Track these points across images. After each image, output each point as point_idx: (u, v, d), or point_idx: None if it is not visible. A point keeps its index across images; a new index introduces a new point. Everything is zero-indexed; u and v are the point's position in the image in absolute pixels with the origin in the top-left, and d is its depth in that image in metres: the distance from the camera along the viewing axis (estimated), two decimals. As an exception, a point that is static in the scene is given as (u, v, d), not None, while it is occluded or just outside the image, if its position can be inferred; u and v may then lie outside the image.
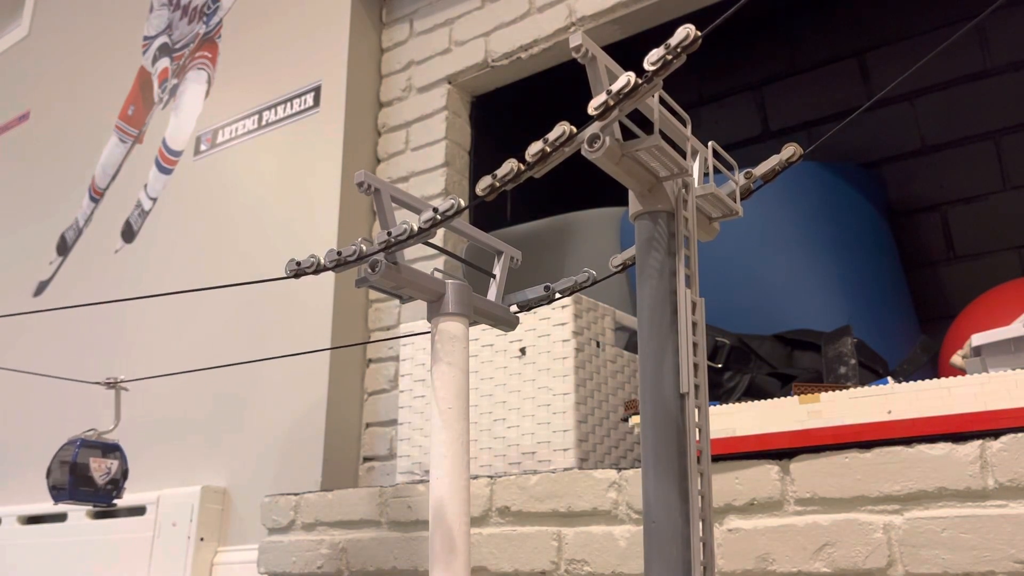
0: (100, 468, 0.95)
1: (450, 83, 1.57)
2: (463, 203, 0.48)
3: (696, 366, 0.45)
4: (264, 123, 1.72)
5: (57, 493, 0.95)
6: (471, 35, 1.55)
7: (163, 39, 2.02)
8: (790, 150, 0.54)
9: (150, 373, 1.71)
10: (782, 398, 0.83)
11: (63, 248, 2.06)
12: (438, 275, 0.55)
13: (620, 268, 0.60)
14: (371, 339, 1.53)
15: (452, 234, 1.46)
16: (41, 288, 2.07)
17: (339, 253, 0.52)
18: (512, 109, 1.68)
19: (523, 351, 1.10)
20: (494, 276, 0.61)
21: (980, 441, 0.71)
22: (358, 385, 1.51)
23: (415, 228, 0.50)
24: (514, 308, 0.62)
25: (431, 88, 1.59)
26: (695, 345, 0.45)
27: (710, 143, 0.51)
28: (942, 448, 0.73)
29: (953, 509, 0.71)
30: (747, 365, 1.14)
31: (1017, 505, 0.69)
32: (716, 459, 0.84)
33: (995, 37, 1.60)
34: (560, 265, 1.45)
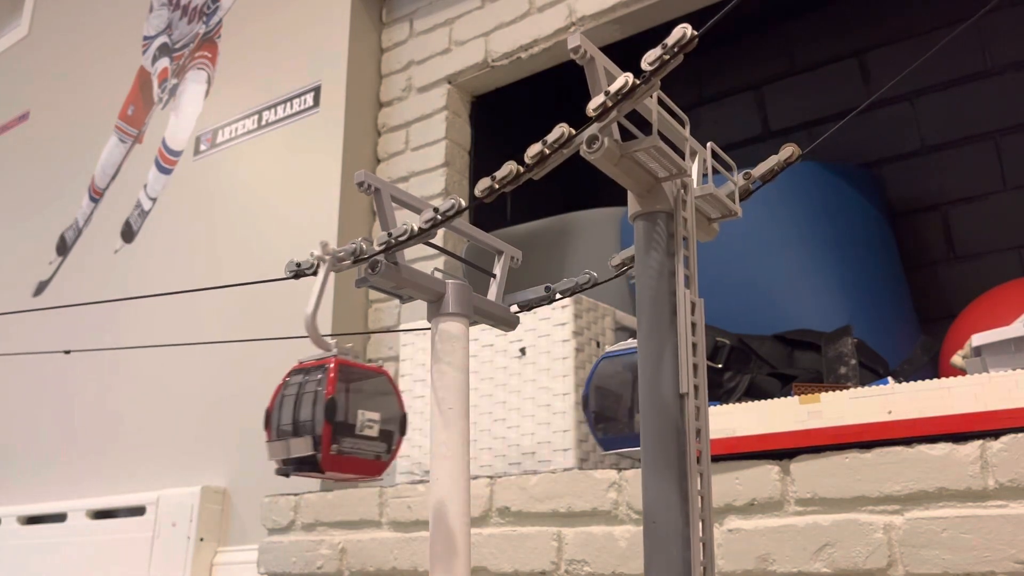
0: None
1: (450, 83, 1.57)
2: (464, 203, 0.48)
3: (696, 366, 0.45)
4: (264, 123, 1.72)
5: (617, 437, 0.60)
6: (471, 35, 1.55)
7: (163, 39, 2.02)
8: (788, 150, 0.54)
9: (150, 372, 1.72)
10: (782, 398, 0.83)
11: (63, 248, 2.06)
12: (438, 275, 0.55)
13: (620, 270, 0.60)
14: (371, 339, 1.53)
15: (452, 234, 1.46)
16: (41, 288, 2.07)
17: (339, 254, 0.51)
18: (512, 109, 1.68)
19: (523, 351, 1.10)
20: (494, 276, 0.61)
21: (980, 441, 0.71)
22: (358, 385, 1.51)
23: (415, 228, 0.49)
24: (514, 308, 0.62)
25: (431, 88, 1.59)
26: (694, 345, 0.45)
27: (709, 144, 0.51)
28: (942, 448, 0.73)
29: (953, 509, 0.71)
30: (747, 365, 1.14)
31: (1017, 505, 0.69)
32: (716, 459, 0.84)
33: (995, 37, 1.60)
34: (560, 265, 1.45)
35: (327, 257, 0.52)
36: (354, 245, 0.51)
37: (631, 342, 0.56)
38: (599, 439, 0.60)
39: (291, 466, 0.52)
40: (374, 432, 0.53)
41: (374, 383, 0.55)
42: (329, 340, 0.53)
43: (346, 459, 0.52)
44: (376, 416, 0.54)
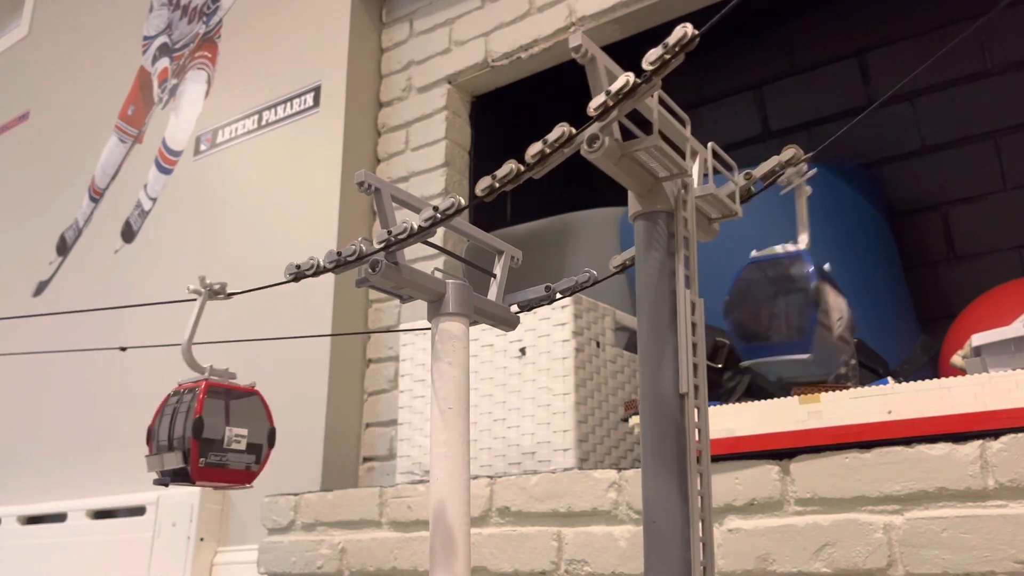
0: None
1: (450, 83, 1.57)
2: (463, 202, 0.48)
3: (695, 366, 0.45)
4: (264, 123, 1.72)
5: (761, 346, 0.50)
6: (471, 35, 1.55)
7: (163, 39, 2.02)
8: (790, 152, 0.54)
9: (150, 372, 1.72)
10: (782, 398, 0.83)
11: (63, 248, 2.06)
12: (438, 275, 0.55)
13: (620, 268, 0.60)
14: (371, 339, 1.53)
15: (452, 234, 1.46)
16: (41, 288, 2.07)
17: (339, 254, 0.51)
18: (512, 109, 1.68)
19: (523, 351, 1.10)
20: (494, 276, 0.61)
21: (980, 441, 0.71)
22: (358, 385, 1.51)
23: (415, 227, 0.49)
24: (514, 308, 0.62)
25: (431, 88, 1.59)
26: (694, 345, 0.45)
27: (709, 144, 0.51)
28: (942, 448, 0.73)
29: (953, 509, 0.71)
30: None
31: (1017, 505, 0.69)
32: (716, 459, 0.84)
33: (995, 37, 1.60)
34: (560, 265, 1.45)
35: (203, 290, 0.63)
36: (354, 246, 0.51)
37: (777, 248, 0.52)
38: (742, 348, 0.55)
39: (167, 476, 0.60)
40: (242, 446, 0.63)
41: (245, 402, 0.65)
42: (203, 364, 0.63)
43: (214, 470, 0.61)
44: (244, 432, 0.63)
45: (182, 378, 0.62)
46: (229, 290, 0.66)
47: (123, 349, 0.77)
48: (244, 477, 0.63)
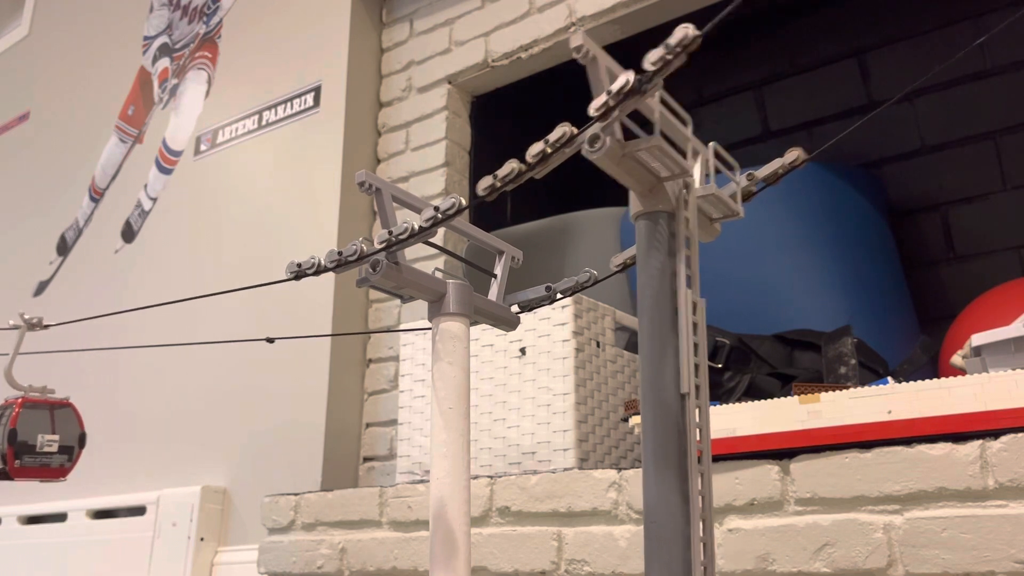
0: None
1: (450, 83, 1.57)
2: (464, 202, 0.48)
3: (697, 366, 0.45)
4: (264, 123, 1.72)
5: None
6: (471, 35, 1.55)
7: (163, 39, 2.02)
8: (793, 154, 0.54)
9: (149, 372, 1.72)
10: (782, 398, 0.83)
11: (63, 248, 2.06)
12: (439, 275, 0.55)
13: (620, 268, 0.60)
14: (371, 339, 1.53)
15: (452, 234, 1.46)
16: (41, 288, 2.07)
17: (339, 253, 0.51)
18: (512, 109, 1.68)
19: (523, 351, 1.10)
20: (495, 276, 0.61)
21: (980, 441, 0.71)
22: (358, 385, 1.51)
23: (416, 227, 0.49)
24: (515, 308, 0.62)
25: (431, 88, 1.59)
26: (696, 346, 0.45)
27: (711, 144, 0.51)
28: (942, 448, 0.73)
29: (953, 509, 0.72)
30: (747, 365, 1.14)
31: (1017, 505, 0.69)
32: (716, 459, 0.84)
33: (995, 37, 1.60)
34: (560, 265, 1.45)
35: (21, 324, 0.79)
36: (355, 246, 0.51)
37: None
38: None
39: None
40: (54, 448, 0.79)
41: (59, 413, 0.82)
42: (21, 383, 0.79)
43: (29, 469, 0.77)
44: (55, 437, 0.80)
45: (8, 394, 0.78)
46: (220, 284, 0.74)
47: (271, 340, 0.80)
48: (59, 473, 0.79)
